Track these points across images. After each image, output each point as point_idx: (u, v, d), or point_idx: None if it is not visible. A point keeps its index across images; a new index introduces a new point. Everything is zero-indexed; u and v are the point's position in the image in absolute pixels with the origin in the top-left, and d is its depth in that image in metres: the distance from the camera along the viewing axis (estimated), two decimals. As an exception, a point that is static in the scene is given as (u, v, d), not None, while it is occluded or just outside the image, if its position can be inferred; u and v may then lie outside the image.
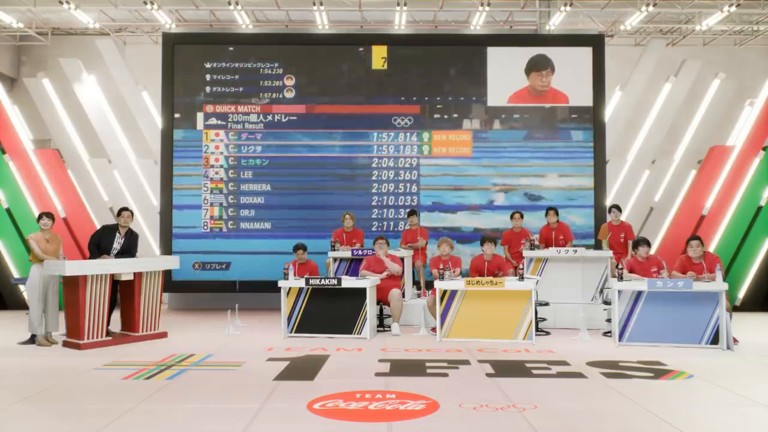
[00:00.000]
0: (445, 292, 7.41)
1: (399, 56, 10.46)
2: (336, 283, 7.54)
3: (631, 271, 7.30)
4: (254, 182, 10.37)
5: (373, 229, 10.22)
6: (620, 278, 7.08)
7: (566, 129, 10.38)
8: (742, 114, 11.28)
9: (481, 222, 10.29)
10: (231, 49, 10.51)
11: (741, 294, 10.21)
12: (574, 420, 4.37)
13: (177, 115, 10.37)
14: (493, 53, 10.45)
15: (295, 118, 10.40)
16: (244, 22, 11.22)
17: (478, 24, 11.33)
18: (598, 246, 9.54)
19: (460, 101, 10.44)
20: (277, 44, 10.63)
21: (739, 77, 11.55)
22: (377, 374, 5.65)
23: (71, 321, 6.99)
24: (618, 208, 9.06)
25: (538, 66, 10.40)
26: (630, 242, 8.86)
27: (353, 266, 8.72)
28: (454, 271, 7.67)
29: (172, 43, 10.48)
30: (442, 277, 7.46)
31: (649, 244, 7.56)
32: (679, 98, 11.16)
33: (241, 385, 5.30)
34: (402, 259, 8.48)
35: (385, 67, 10.44)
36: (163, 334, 7.67)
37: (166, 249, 10.20)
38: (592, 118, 10.33)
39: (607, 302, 7.94)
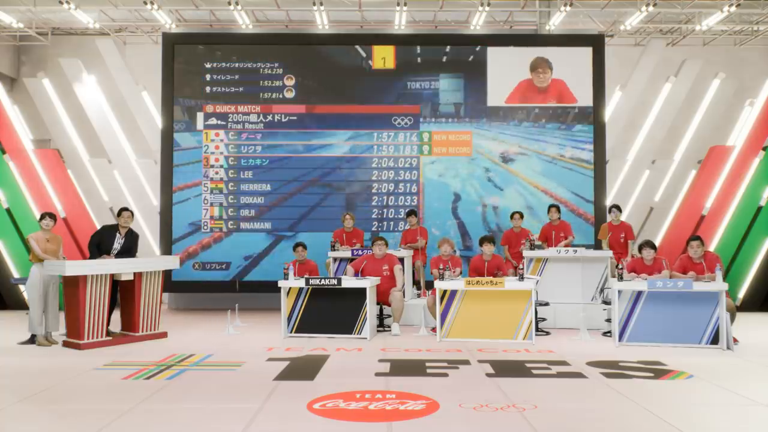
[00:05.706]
0: (445, 292, 7.41)
1: (399, 56, 10.46)
2: (336, 283, 7.54)
3: (632, 272, 7.28)
4: (254, 182, 10.37)
5: (373, 229, 10.23)
6: (620, 278, 7.08)
7: (566, 128, 10.38)
8: (742, 114, 11.29)
9: (481, 222, 10.29)
10: (231, 49, 10.51)
11: (741, 294, 10.20)
12: (574, 420, 4.37)
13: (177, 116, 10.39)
14: (493, 53, 10.45)
15: (295, 118, 10.40)
16: (244, 22, 11.21)
17: (478, 24, 11.32)
18: (598, 246, 9.54)
19: (460, 101, 10.44)
20: (277, 44, 10.64)
21: (739, 77, 11.55)
22: (377, 374, 5.65)
23: (71, 321, 6.99)
24: (618, 208, 9.05)
25: (533, 67, 10.42)
26: (630, 242, 8.87)
27: (353, 266, 8.72)
28: (454, 271, 7.67)
29: (172, 43, 10.48)
30: (442, 277, 7.46)
31: (654, 248, 7.40)
32: (679, 98, 11.17)
33: (241, 385, 5.30)
34: (402, 259, 8.48)
35: (386, 66, 10.44)
36: (163, 334, 7.67)
37: (166, 249, 10.21)
38: (592, 117, 10.34)
39: (606, 302, 7.94)
